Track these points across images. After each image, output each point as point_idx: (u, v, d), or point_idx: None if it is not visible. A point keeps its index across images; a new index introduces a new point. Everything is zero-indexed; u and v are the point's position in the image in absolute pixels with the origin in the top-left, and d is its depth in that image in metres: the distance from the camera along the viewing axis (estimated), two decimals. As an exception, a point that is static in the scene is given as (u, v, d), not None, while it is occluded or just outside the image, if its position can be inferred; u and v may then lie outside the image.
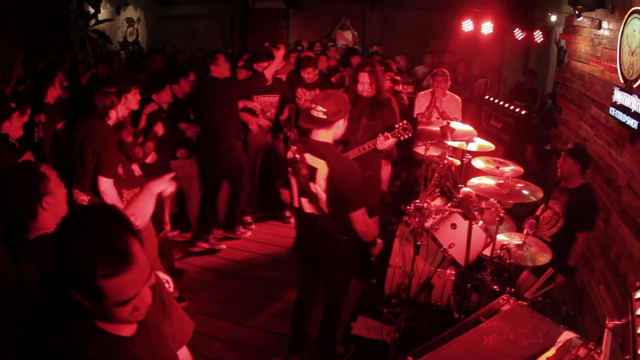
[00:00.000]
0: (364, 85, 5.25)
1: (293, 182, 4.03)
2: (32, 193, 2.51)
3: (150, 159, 5.34)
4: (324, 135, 3.88)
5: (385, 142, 5.05)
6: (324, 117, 3.77)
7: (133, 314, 1.70)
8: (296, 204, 4.11)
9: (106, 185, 4.38)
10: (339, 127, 3.91)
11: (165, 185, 2.88)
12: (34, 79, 7.26)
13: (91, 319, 1.72)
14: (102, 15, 12.66)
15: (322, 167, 3.81)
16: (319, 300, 4.60)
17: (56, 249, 1.62)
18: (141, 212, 2.74)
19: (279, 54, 6.59)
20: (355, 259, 4.35)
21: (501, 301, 2.99)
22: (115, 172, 4.46)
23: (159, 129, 5.37)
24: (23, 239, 2.46)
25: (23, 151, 4.67)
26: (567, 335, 2.60)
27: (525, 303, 3.01)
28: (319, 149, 3.86)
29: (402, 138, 5.08)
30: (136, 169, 5.06)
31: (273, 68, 6.61)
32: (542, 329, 2.68)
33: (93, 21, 12.32)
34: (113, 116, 4.58)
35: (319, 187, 3.86)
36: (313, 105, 3.84)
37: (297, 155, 3.86)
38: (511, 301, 2.98)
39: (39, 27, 9.60)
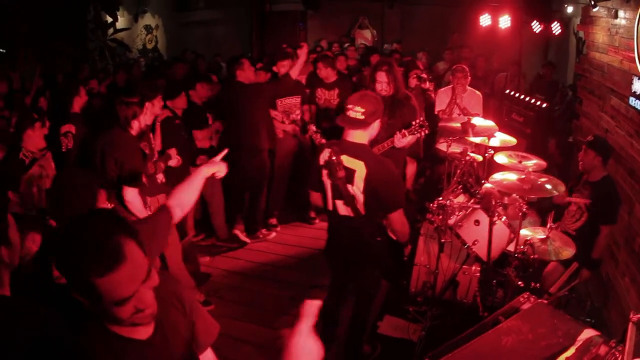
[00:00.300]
0: (382, 84, 5.26)
1: (327, 184, 3.99)
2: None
3: (175, 162, 5.39)
4: (359, 136, 3.84)
5: (402, 139, 5.05)
6: (362, 117, 3.74)
7: (136, 316, 1.71)
8: (330, 207, 4.07)
9: (131, 194, 4.43)
10: (374, 128, 3.88)
11: (216, 168, 2.89)
12: (53, 90, 7.33)
13: (101, 322, 1.76)
14: (120, 24, 12.77)
15: (360, 169, 3.78)
16: (348, 301, 4.61)
17: (55, 252, 1.68)
18: (186, 199, 2.77)
19: (303, 52, 6.57)
20: (388, 259, 4.36)
21: (521, 299, 2.98)
22: (140, 181, 4.52)
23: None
24: None
25: (31, 165, 4.70)
26: (587, 333, 2.58)
27: (546, 301, 2.99)
28: (356, 150, 3.83)
29: (419, 135, 5.08)
30: (159, 176, 5.13)
31: (298, 67, 6.62)
32: (561, 327, 2.67)
33: (111, 30, 12.45)
34: (135, 126, 4.62)
35: (357, 188, 3.82)
36: (350, 106, 3.79)
37: (334, 158, 3.82)
38: (531, 299, 2.97)
39: (56, 37, 9.71)
